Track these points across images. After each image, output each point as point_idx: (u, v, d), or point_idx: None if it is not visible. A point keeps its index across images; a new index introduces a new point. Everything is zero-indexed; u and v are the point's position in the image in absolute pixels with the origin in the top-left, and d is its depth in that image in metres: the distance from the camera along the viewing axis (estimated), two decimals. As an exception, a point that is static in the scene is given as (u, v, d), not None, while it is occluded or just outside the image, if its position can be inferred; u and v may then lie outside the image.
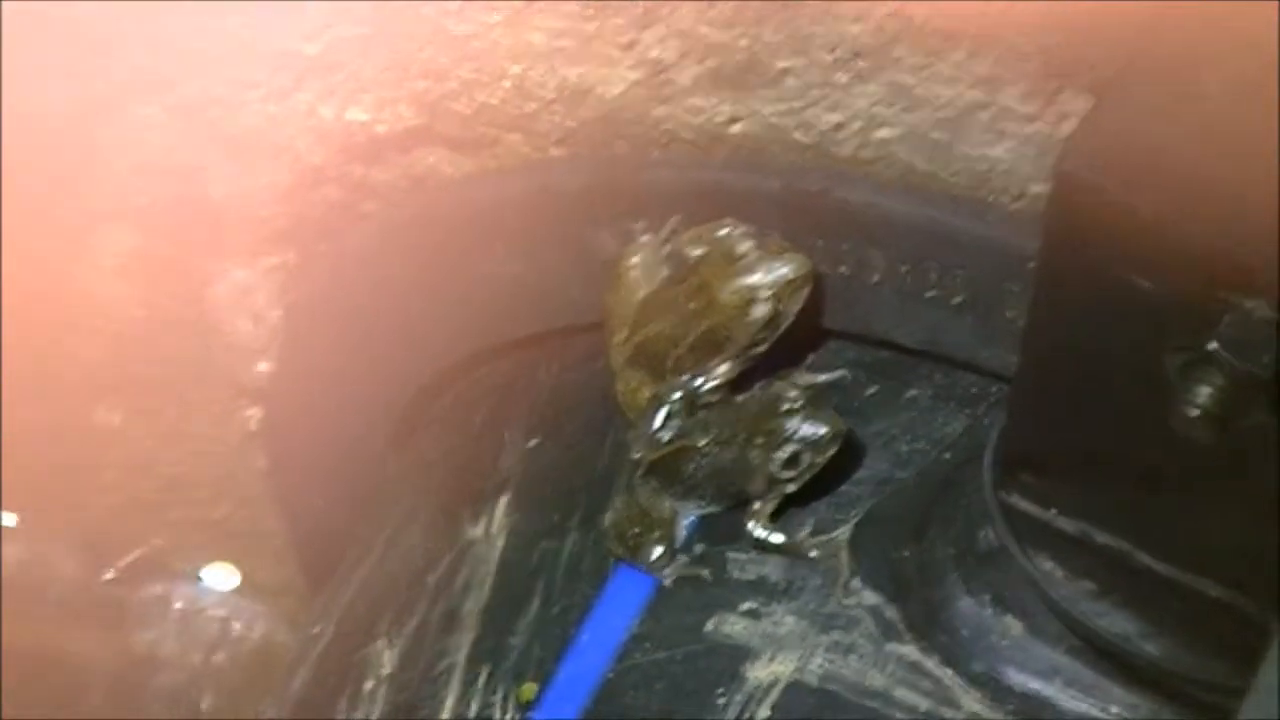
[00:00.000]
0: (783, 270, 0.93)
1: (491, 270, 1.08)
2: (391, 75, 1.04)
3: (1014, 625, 0.86)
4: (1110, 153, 0.72)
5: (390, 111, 1.06)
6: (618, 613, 0.96)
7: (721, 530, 0.96)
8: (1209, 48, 0.70)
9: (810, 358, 0.99)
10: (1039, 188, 0.89)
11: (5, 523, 1.37)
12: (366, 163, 1.10)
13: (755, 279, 0.93)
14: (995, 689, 0.86)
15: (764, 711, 0.89)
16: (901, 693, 0.87)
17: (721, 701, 0.90)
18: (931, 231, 0.94)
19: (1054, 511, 0.83)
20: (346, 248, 1.16)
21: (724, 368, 0.96)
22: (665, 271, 1.00)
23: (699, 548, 0.96)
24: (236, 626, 1.38)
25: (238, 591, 1.41)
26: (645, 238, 1.01)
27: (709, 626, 0.92)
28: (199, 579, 1.41)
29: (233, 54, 1.06)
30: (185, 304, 1.24)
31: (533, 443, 1.08)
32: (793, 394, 0.93)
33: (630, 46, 0.95)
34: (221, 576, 1.42)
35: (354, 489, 1.21)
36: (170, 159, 1.13)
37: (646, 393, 0.99)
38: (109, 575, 1.39)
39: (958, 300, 0.94)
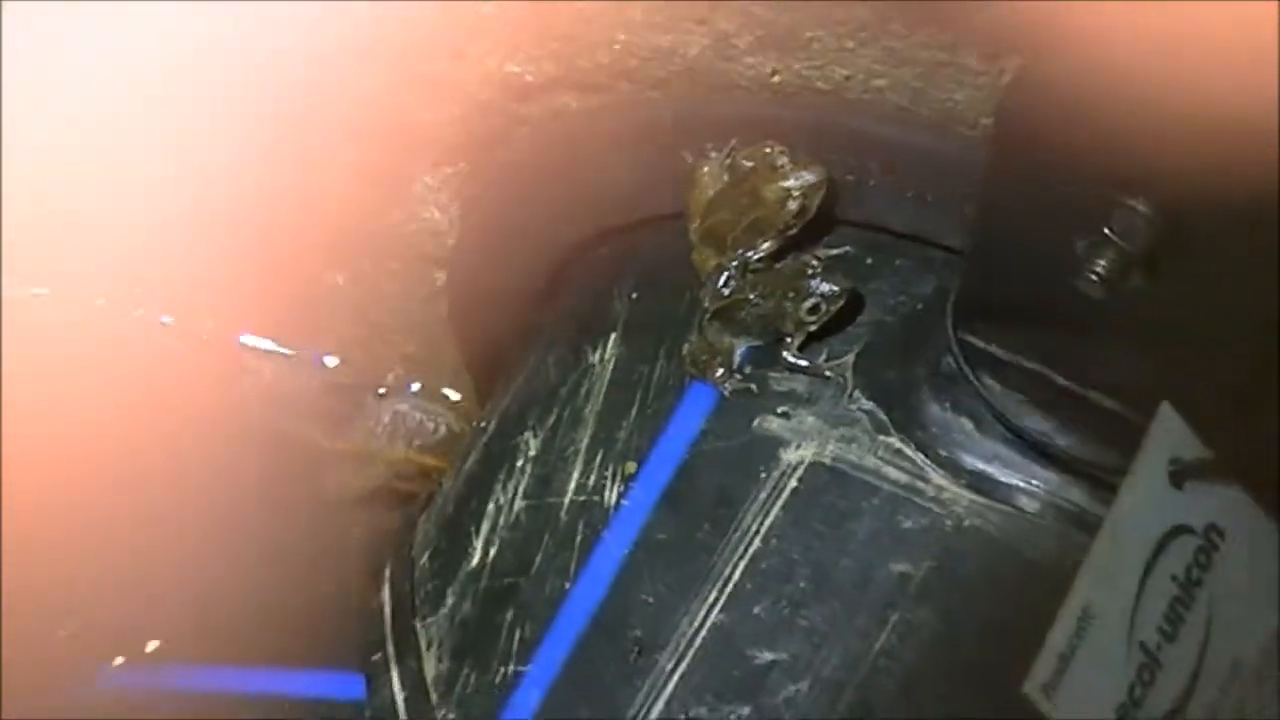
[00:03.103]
0: (808, 177, 0.93)
1: (609, 176, 1.07)
2: (537, 38, 1.02)
3: (967, 424, 0.88)
4: (1031, 97, 0.74)
5: (536, 66, 1.04)
6: (692, 415, 0.97)
7: (764, 358, 0.96)
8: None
9: (826, 238, 0.98)
10: (987, 120, 0.88)
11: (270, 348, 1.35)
12: (519, 101, 1.08)
13: (789, 184, 0.93)
14: (954, 469, 0.88)
15: (793, 483, 0.91)
16: (889, 470, 0.89)
17: (763, 476, 0.92)
18: (913, 150, 0.93)
19: (994, 345, 0.85)
20: (504, 160, 1.14)
21: (767, 245, 0.96)
22: (726, 177, 0.99)
23: (748, 369, 0.96)
24: (429, 424, 1.37)
25: (428, 399, 1.38)
26: (714, 154, 1.00)
27: (755, 424, 0.93)
28: (400, 390, 1.38)
29: (432, 17, 1.04)
30: (392, 198, 1.22)
31: (635, 296, 1.08)
32: (814, 263, 0.93)
33: (703, 21, 0.94)
34: (416, 389, 1.38)
35: (511, 330, 1.19)
36: (383, 98, 1.11)
37: (714, 262, 0.99)
38: (338, 387, 1.37)
39: (930, 198, 0.93)
